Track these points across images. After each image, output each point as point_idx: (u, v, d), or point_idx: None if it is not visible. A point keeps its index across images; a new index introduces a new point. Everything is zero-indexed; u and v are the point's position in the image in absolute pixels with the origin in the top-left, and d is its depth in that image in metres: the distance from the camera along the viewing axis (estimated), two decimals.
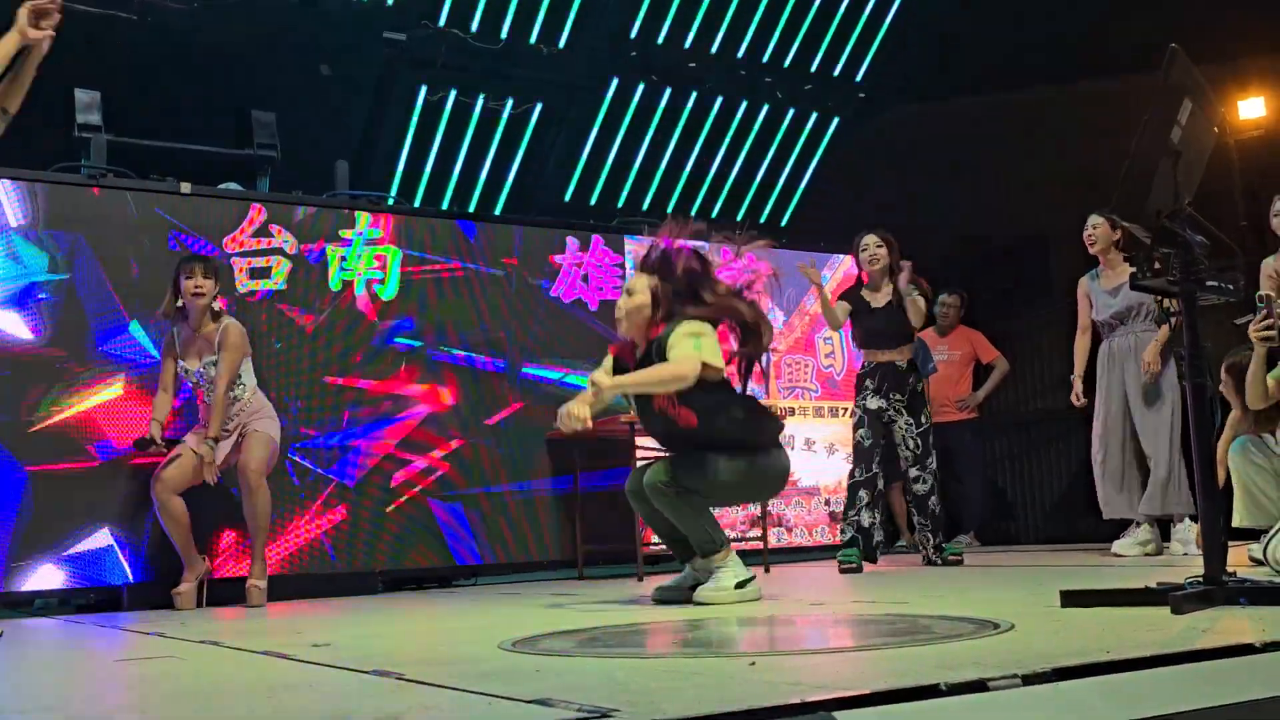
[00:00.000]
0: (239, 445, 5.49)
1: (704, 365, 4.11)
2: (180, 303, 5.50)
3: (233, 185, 6.38)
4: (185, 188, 6.04)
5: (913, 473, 6.11)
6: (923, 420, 6.12)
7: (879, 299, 6.20)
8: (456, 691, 2.19)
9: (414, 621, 4.35)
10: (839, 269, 8.10)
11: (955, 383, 8.17)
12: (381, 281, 6.45)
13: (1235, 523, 4.74)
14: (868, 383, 6.15)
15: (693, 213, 8.97)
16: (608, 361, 4.50)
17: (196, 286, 5.43)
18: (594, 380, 4.15)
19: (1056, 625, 2.87)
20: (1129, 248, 4.93)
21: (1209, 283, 3.29)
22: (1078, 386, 6.36)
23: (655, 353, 4.19)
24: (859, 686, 1.92)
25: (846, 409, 7.79)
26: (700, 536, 4.26)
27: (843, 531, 6.04)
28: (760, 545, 6.70)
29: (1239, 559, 4.27)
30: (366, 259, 6.42)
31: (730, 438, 4.23)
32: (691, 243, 4.41)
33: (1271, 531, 4.13)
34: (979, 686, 1.92)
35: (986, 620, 2.93)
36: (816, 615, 3.74)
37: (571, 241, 7.09)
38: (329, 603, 5.54)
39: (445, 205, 7.93)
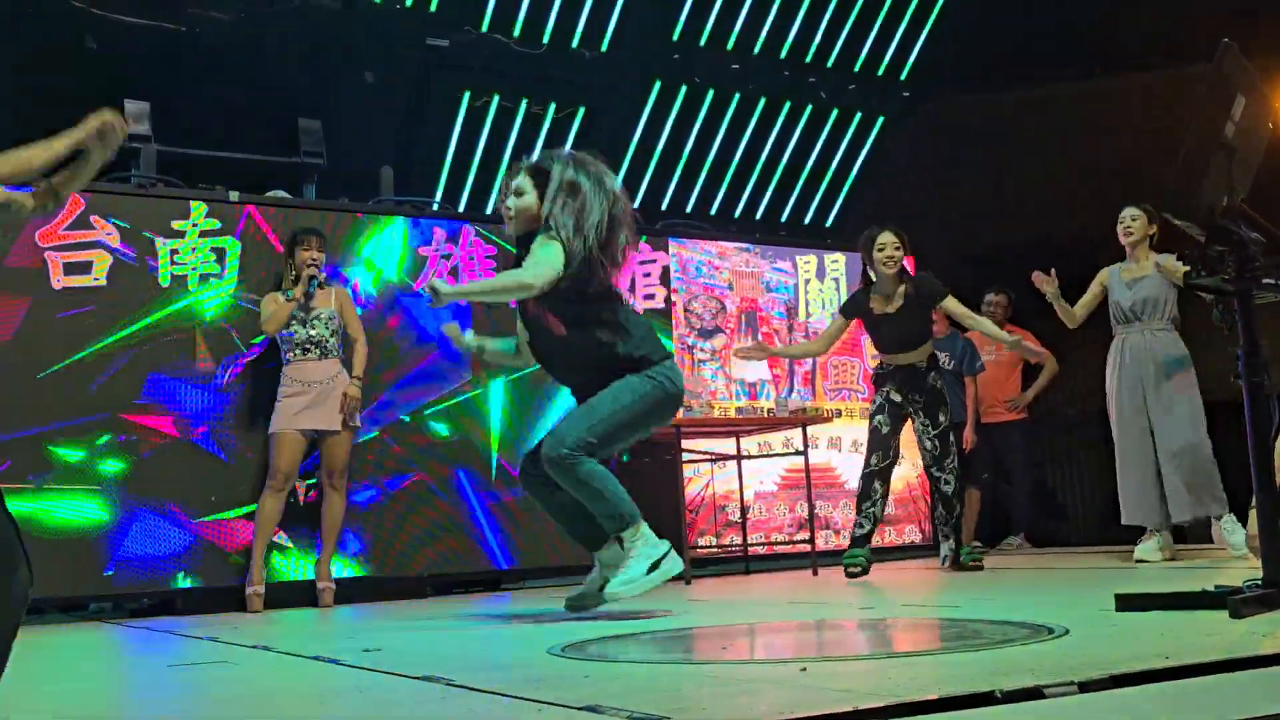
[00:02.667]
0: (325, 437, 5.69)
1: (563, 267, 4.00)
2: (294, 273, 5.73)
3: (280, 193, 6.44)
4: (234, 196, 6.10)
5: (934, 473, 5.91)
6: (940, 420, 5.87)
7: (890, 305, 5.89)
8: (506, 698, 2.19)
9: (463, 626, 4.36)
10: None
11: (1004, 383, 8.09)
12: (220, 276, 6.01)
13: None
14: (886, 384, 5.95)
15: (736, 214, 8.95)
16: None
17: (312, 258, 5.72)
18: (431, 284, 3.95)
19: (1112, 630, 2.83)
20: (1179, 246, 4.86)
21: (1265, 280, 3.23)
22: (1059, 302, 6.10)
23: (524, 251, 4.17)
24: (912, 694, 1.90)
25: None
26: (607, 510, 4.02)
27: (859, 525, 5.82)
28: (809, 548, 6.67)
29: None
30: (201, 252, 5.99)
31: (616, 350, 4.11)
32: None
33: None
34: (1035, 694, 1.90)
35: (1040, 625, 2.89)
36: (867, 620, 3.71)
37: (439, 231, 6.65)
38: (378, 607, 5.57)
39: (490, 210, 7.95)
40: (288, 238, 5.90)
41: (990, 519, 8.18)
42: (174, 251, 5.87)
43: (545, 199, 4.14)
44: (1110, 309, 6.01)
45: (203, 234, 5.93)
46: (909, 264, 6.14)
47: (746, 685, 2.25)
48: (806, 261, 7.96)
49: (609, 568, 4.11)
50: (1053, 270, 5.97)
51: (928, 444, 5.88)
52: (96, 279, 5.69)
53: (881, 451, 5.87)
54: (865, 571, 5.67)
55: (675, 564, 4.01)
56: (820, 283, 7.95)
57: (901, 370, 5.93)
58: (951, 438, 5.93)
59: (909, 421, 5.96)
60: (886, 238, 5.87)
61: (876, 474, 5.86)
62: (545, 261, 4.01)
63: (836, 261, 8.10)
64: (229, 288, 5.96)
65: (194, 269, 5.90)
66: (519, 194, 4.24)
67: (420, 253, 6.51)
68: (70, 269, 5.63)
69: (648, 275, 7.20)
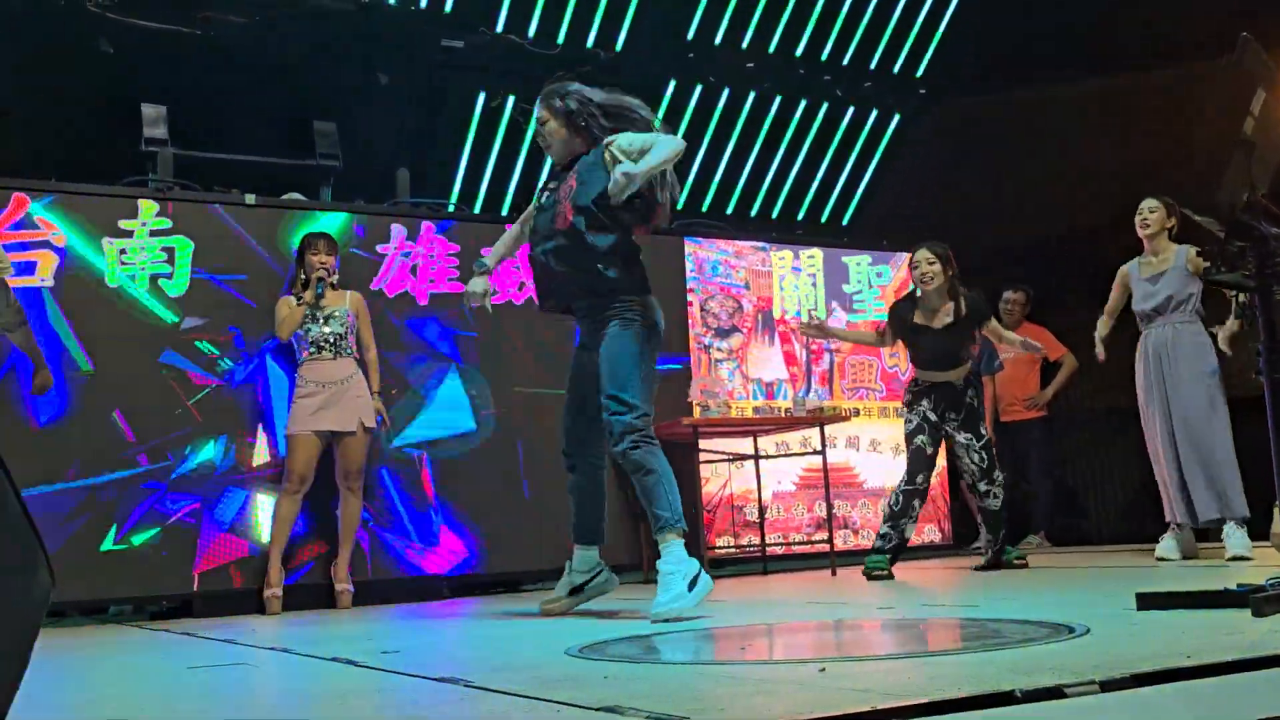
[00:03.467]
0: (341, 438, 5.71)
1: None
2: (304, 276, 5.79)
3: (296, 195, 6.46)
4: (250, 199, 6.12)
5: (982, 487, 5.85)
6: (983, 433, 5.82)
7: (937, 319, 5.81)
8: (524, 699, 2.19)
9: (481, 627, 4.36)
10: (902, 266, 8.02)
11: (1023, 381, 8.06)
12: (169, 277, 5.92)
13: None
14: (924, 401, 5.83)
15: (753, 213, 8.94)
16: (520, 222, 4.69)
17: (321, 262, 5.75)
18: (622, 168, 4.01)
19: (1133, 629, 2.81)
20: (1198, 240, 4.82)
21: None
22: (1101, 352, 6.13)
23: (583, 170, 4.24)
24: (931, 694, 1.89)
25: None
26: (664, 508, 4.02)
27: (886, 538, 5.73)
28: (827, 548, 6.65)
29: None
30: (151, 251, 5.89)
31: (615, 284, 4.19)
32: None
33: None
34: (1055, 693, 1.88)
35: (1060, 624, 2.87)
36: (886, 619, 3.69)
37: (398, 229, 6.50)
38: (396, 608, 5.58)
39: (505, 211, 7.96)
40: (299, 243, 5.91)
41: (1010, 518, 8.14)
42: (122, 251, 5.81)
43: (582, 122, 4.34)
44: (1134, 306, 5.97)
45: (153, 233, 5.84)
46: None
47: (765, 685, 2.25)
48: (810, 255, 7.87)
49: (578, 572, 4.38)
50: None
51: (975, 458, 5.80)
52: (43, 280, 5.62)
53: (926, 472, 5.79)
54: (890, 575, 5.63)
55: (708, 583, 4.02)
56: (796, 277, 7.81)
57: (939, 388, 5.82)
58: (995, 451, 5.88)
59: (951, 443, 5.89)
60: (920, 254, 5.80)
61: (918, 494, 5.78)
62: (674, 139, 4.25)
63: (813, 257, 8.07)
64: (182, 285, 5.87)
65: (143, 268, 5.81)
66: (543, 123, 4.40)
67: (381, 251, 6.41)
68: (16, 269, 5.53)
69: (435, 265, 6.80)
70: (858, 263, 8.05)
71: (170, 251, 5.89)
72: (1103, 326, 6.12)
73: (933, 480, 5.95)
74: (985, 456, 5.79)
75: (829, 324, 6.77)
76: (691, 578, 3.93)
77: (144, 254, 5.83)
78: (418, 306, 6.44)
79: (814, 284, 7.86)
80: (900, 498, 5.78)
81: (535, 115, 4.41)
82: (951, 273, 5.78)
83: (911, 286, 5.94)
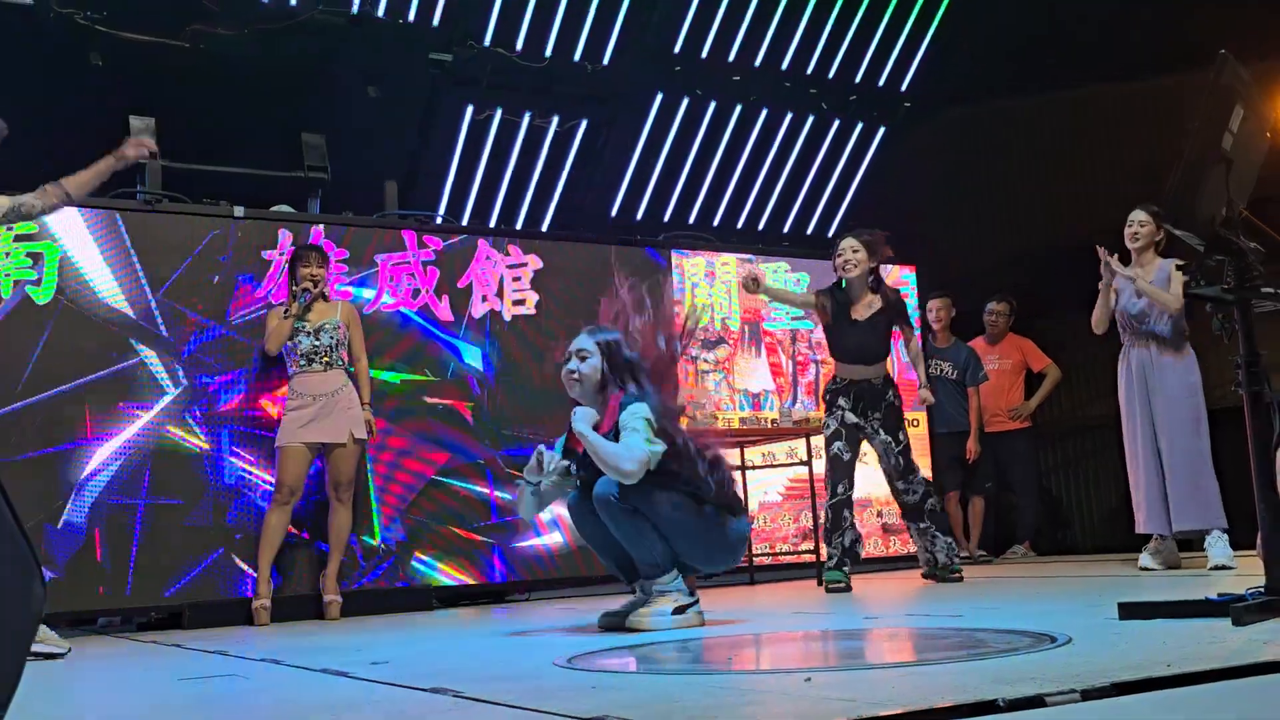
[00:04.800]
0: (331, 449, 5.72)
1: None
2: (294, 289, 5.80)
3: (286, 208, 6.47)
4: (238, 211, 6.13)
5: (900, 485, 5.79)
6: (901, 438, 5.78)
7: (861, 311, 5.82)
8: (514, 709, 2.21)
9: (470, 638, 4.38)
10: (888, 279, 8.03)
11: (1007, 392, 8.11)
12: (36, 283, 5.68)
13: None
14: (841, 400, 5.79)
15: (739, 226, 8.97)
16: (559, 443, 4.37)
17: (311, 274, 5.77)
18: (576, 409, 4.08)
19: (1115, 638, 2.85)
20: (1178, 253, 4.86)
21: (1264, 289, 3.26)
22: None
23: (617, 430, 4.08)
24: (916, 703, 1.92)
25: None
26: (646, 558, 4.10)
27: (829, 555, 5.76)
28: (813, 559, 6.67)
29: None
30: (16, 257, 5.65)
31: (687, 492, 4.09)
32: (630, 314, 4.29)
33: None
34: (1037, 702, 1.92)
35: (1043, 633, 2.91)
36: (871, 630, 3.72)
37: (285, 234, 6.24)
38: (385, 619, 5.59)
39: (493, 223, 7.99)
40: (291, 255, 5.93)
41: (995, 528, 8.20)
42: None
43: (618, 373, 4.14)
44: (1117, 316, 5.97)
45: (18, 238, 5.67)
46: (912, 273, 6.10)
47: (752, 695, 2.27)
48: (783, 267, 7.88)
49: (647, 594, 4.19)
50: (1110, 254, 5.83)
51: (893, 460, 5.77)
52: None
53: (848, 479, 5.75)
54: (849, 588, 5.63)
55: (698, 618, 4.07)
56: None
57: (859, 386, 5.80)
58: (912, 454, 5.85)
59: (872, 443, 5.84)
60: (845, 242, 5.82)
61: (845, 503, 5.73)
62: (649, 446, 3.95)
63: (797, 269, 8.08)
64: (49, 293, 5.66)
65: (6, 275, 5.63)
66: (583, 358, 4.20)
67: (265, 257, 6.17)
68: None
69: (518, 279, 6.84)
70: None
71: (36, 256, 5.65)
72: (1104, 310, 5.98)
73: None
74: (904, 460, 5.76)
75: (768, 283, 6.43)
76: (682, 605, 4.03)
77: (7, 259, 5.59)
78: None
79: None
80: (829, 513, 5.75)
81: (575, 345, 4.23)
82: (875, 264, 5.80)
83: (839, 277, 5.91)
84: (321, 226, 6.34)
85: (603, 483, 4.05)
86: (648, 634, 3.81)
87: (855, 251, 5.78)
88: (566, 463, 4.23)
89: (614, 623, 4.12)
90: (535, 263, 6.87)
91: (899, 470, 5.78)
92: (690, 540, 4.10)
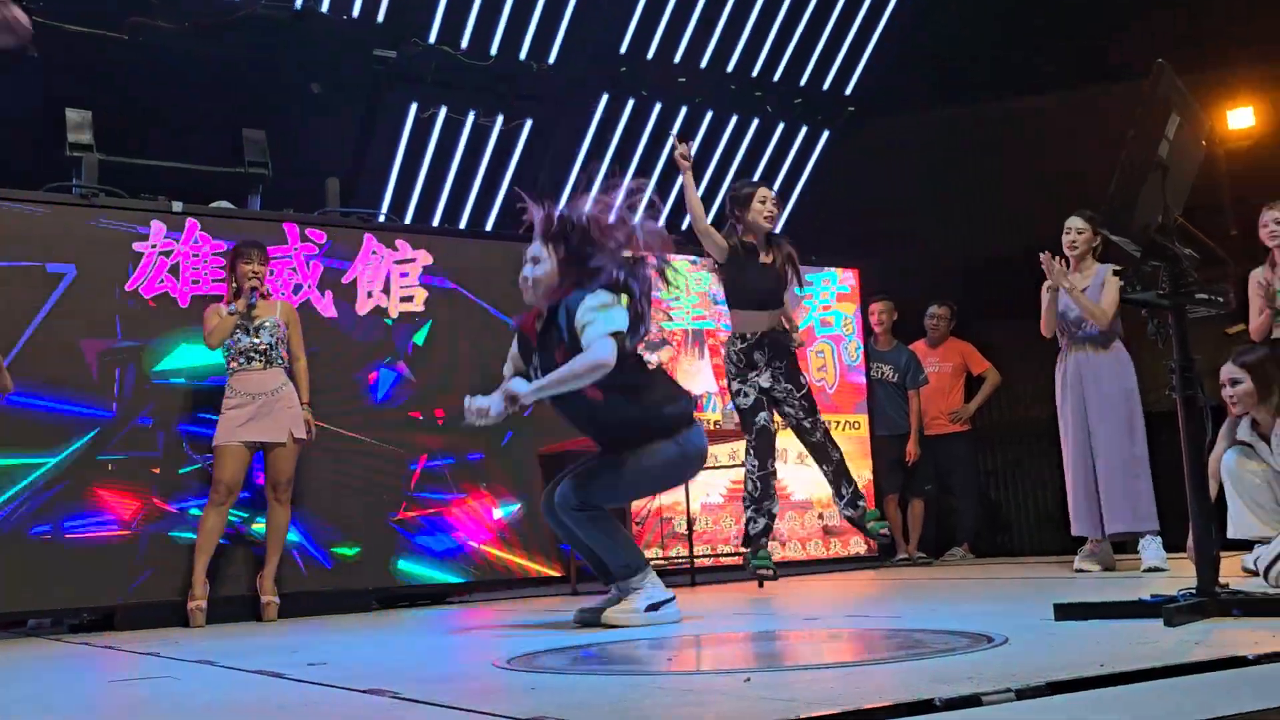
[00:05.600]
0: (270, 449, 5.64)
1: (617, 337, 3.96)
2: (235, 286, 5.71)
3: (225, 203, 6.39)
4: (176, 206, 6.04)
5: (805, 425, 5.67)
6: (803, 382, 5.71)
7: (765, 257, 5.71)
8: (452, 710, 2.19)
9: (408, 639, 4.35)
10: (831, 283, 8.12)
11: (947, 395, 8.18)
12: None
13: (1231, 534, 4.72)
14: (756, 356, 5.65)
15: (684, 228, 8.98)
16: (514, 347, 4.33)
17: (254, 271, 5.67)
18: (509, 392, 3.99)
19: (1050, 639, 2.88)
20: (1117, 260, 4.92)
21: (1199, 295, 3.31)
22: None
23: (563, 320, 4.02)
24: (854, 702, 1.93)
25: (840, 422, 7.81)
26: (616, 561, 4.13)
27: (753, 521, 5.62)
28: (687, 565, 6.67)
29: (1232, 569, 4.28)
30: None
31: (652, 423, 4.10)
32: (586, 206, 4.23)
33: (1270, 550, 4.11)
34: (973, 701, 1.93)
35: (980, 634, 2.93)
36: (811, 630, 3.74)
37: (158, 225, 6.00)
38: (322, 621, 5.53)
39: (436, 222, 7.94)
40: (231, 252, 5.84)
41: (934, 530, 8.28)
42: None
43: (573, 260, 4.09)
44: (1057, 321, 6.04)
45: None
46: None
47: (692, 696, 2.27)
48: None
49: (622, 591, 4.17)
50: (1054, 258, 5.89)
51: (795, 404, 5.66)
52: None
53: (773, 452, 5.70)
54: (776, 575, 5.67)
55: (674, 614, 4.09)
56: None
57: (766, 338, 5.68)
58: (813, 399, 5.75)
59: (774, 395, 5.72)
60: (767, 192, 5.80)
61: (774, 475, 5.69)
62: (612, 329, 3.93)
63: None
64: None
65: None
66: (536, 261, 4.18)
67: (135, 249, 5.92)
68: None
69: (405, 275, 6.62)
70: None
71: None
72: (1051, 314, 5.99)
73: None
74: (806, 403, 5.68)
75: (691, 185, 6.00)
76: (656, 603, 4.05)
77: None
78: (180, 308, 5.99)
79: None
80: (759, 484, 5.64)
81: (530, 251, 4.18)
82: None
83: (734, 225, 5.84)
84: (196, 220, 6.07)
85: (561, 491, 4.09)
86: (590, 633, 3.80)
87: (776, 205, 5.83)
88: (501, 408, 4.10)
89: (590, 619, 4.13)
90: (425, 258, 6.65)
91: (806, 409, 5.68)
92: (666, 479, 4.31)
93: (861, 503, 5.76)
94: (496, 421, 4.11)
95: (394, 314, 6.53)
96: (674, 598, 4.14)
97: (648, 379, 4.25)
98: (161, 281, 5.96)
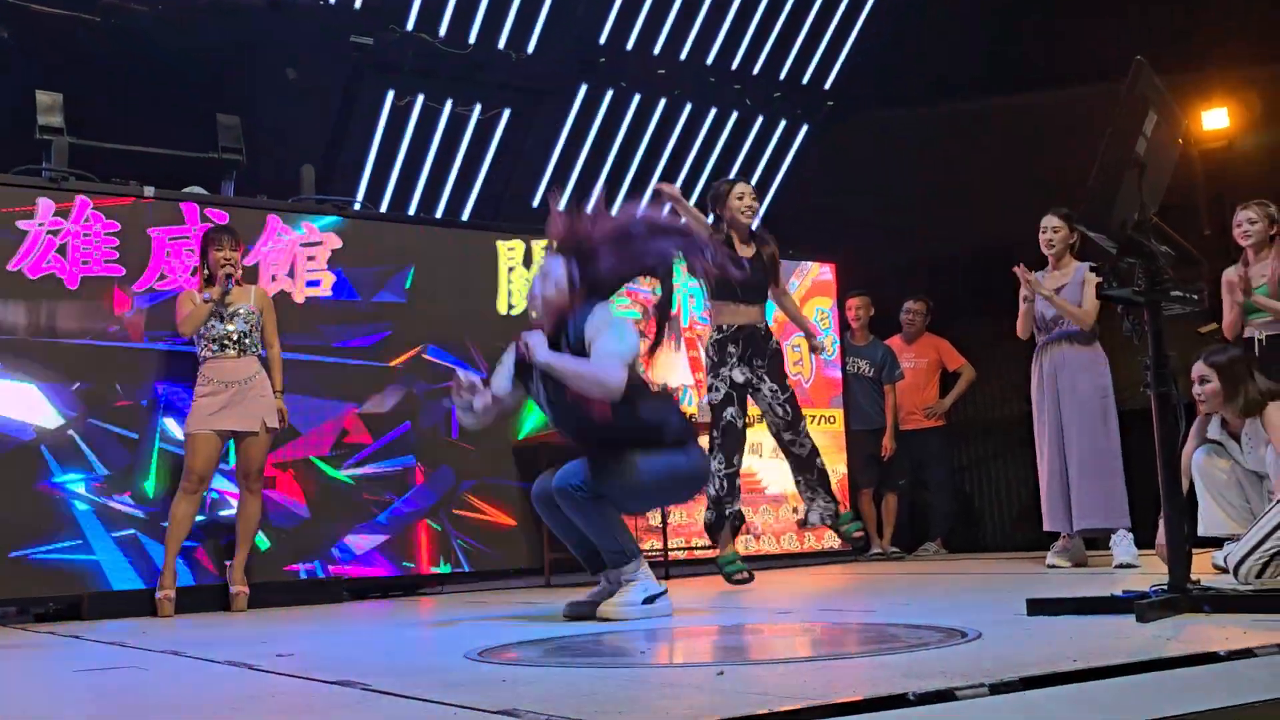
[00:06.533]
0: (243, 438, 5.59)
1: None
2: (208, 272, 5.64)
3: (197, 189, 6.32)
4: (148, 191, 5.98)
5: (787, 437, 5.62)
6: (787, 385, 5.64)
7: (746, 251, 5.65)
8: (422, 702, 2.17)
9: (379, 631, 4.32)
10: (807, 276, 8.11)
11: (922, 390, 8.20)
12: None
13: (1201, 531, 4.74)
14: (730, 349, 5.57)
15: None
16: (507, 356, 4.21)
17: (226, 258, 5.60)
18: (525, 340, 3.88)
19: (1023, 633, 2.88)
20: (1093, 257, 4.93)
21: (1174, 293, 3.31)
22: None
23: (571, 334, 3.96)
24: (827, 696, 1.92)
25: (815, 417, 7.81)
26: (611, 546, 4.06)
27: (716, 521, 5.54)
28: (662, 556, 6.63)
29: (1202, 566, 4.30)
30: None
31: (647, 435, 4.00)
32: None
33: (1240, 547, 4.13)
34: (947, 696, 1.93)
35: (954, 629, 2.93)
36: (784, 624, 3.73)
37: (46, 203, 5.70)
38: (292, 612, 5.49)
39: (413, 210, 7.89)
40: (201, 238, 5.77)
41: (908, 525, 8.30)
42: None
43: (584, 280, 4.00)
44: (1034, 318, 6.05)
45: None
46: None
47: (664, 689, 2.26)
48: None
49: (613, 584, 4.10)
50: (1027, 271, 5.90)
51: (779, 410, 5.61)
52: None
53: (741, 451, 5.63)
54: (752, 578, 5.61)
55: (667, 607, 4.03)
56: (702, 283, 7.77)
57: (745, 332, 5.62)
58: (797, 403, 5.70)
59: (755, 397, 5.66)
60: (745, 187, 5.73)
61: (738, 473, 5.62)
62: (624, 354, 3.87)
63: None
64: None
65: None
66: (546, 276, 4.06)
67: (20, 227, 5.63)
68: None
69: (312, 259, 6.35)
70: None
71: None
72: (1028, 318, 6.01)
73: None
74: (790, 409, 5.62)
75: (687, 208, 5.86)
76: (651, 595, 4.00)
77: None
78: (67, 291, 5.72)
79: None
80: (725, 482, 5.55)
81: (545, 264, 4.09)
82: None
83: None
84: (89, 198, 5.80)
85: (562, 475, 4.01)
86: (567, 626, 3.78)
87: (755, 199, 5.76)
88: (499, 392, 4.09)
89: (582, 612, 4.06)
90: (334, 241, 6.40)
91: (787, 421, 5.62)
92: (663, 496, 4.32)
93: (835, 506, 5.73)
94: (485, 410, 4.05)
95: (299, 299, 6.28)
96: (666, 590, 4.10)
97: (645, 395, 4.13)
98: (49, 262, 5.72)
